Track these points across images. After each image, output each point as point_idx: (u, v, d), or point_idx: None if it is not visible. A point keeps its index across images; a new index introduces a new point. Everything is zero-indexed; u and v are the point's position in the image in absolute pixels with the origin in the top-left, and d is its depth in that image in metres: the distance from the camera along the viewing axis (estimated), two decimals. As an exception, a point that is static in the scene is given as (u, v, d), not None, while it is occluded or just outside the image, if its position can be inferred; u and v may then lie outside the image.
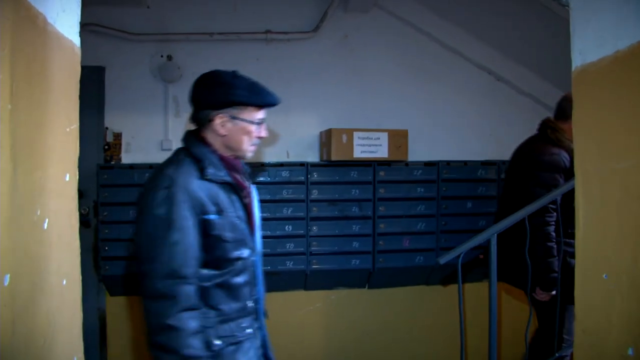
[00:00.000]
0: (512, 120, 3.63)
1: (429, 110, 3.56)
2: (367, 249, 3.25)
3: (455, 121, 3.56)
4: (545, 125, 2.57)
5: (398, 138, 3.21)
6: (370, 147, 3.18)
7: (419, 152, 3.36)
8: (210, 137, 1.58)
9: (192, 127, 1.64)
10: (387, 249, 3.27)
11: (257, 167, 3.21)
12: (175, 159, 1.56)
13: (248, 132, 1.61)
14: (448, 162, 3.36)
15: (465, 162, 3.39)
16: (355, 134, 3.15)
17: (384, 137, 3.18)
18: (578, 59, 1.14)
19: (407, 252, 3.29)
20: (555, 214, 2.36)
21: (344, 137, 3.14)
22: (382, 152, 3.19)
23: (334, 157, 3.14)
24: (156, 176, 1.52)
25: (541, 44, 3.49)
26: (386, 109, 3.49)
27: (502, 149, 3.58)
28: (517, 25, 3.53)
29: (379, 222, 3.24)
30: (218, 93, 1.55)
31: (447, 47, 3.58)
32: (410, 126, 3.31)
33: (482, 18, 3.54)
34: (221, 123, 1.55)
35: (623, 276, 1.01)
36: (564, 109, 2.48)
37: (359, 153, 3.16)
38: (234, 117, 1.57)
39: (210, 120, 1.55)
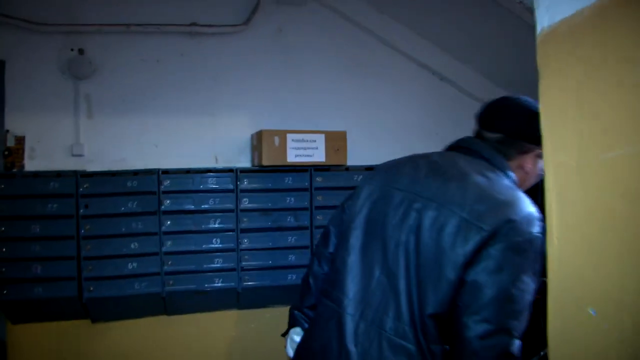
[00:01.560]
0: (457, 121, 3.40)
1: (370, 111, 3.32)
2: (305, 263, 2.95)
3: (397, 122, 3.33)
4: None
5: (336, 140, 2.94)
6: (305, 150, 2.90)
7: (359, 155, 3.11)
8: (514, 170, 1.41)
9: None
10: (326, 261, 2.97)
11: (180, 174, 2.87)
12: (514, 189, 1.31)
13: (537, 177, 1.47)
14: (391, 166, 3.10)
15: (409, 166, 3.15)
16: (289, 136, 2.86)
17: (320, 140, 2.91)
18: (545, 18, 0.86)
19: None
20: None
21: (276, 140, 2.84)
22: (319, 155, 2.91)
23: (265, 162, 2.84)
24: (527, 212, 1.22)
25: (486, 43, 3.30)
26: (323, 109, 3.23)
27: (447, 151, 3.39)
28: (462, 23, 3.32)
29: (316, 232, 2.96)
30: None
31: (389, 45, 3.35)
32: (350, 128, 3.05)
33: (425, 15, 3.32)
34: (533, 161, 1.42)
35: (623, 313, 0.70)
36: None
37: (293, 157, 2.87)
38: (539, 157, 1.41)
39: (524, 153, 1.41)
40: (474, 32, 3.17)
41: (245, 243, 2.91)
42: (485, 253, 1.15)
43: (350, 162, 3.03)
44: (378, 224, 1.38)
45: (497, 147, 1.41)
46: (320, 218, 2.97)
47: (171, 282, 2.81)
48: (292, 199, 2.96)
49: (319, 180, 2.98)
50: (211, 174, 2.90)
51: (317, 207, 2.97)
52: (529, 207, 1.22)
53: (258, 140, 2.91)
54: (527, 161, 1.42)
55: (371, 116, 3.31)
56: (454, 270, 1.17)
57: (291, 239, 2.95)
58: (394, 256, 1.30)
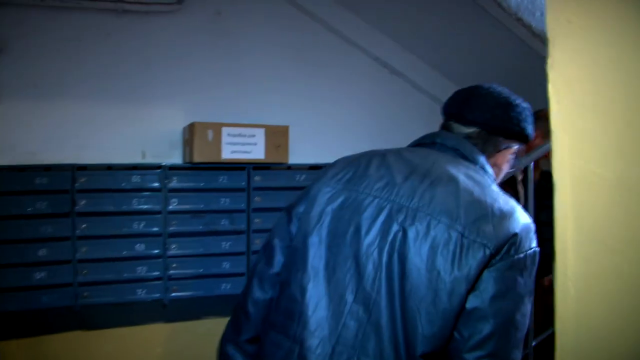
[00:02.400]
0: (407, 118, 3.23)
1: (315, 105, 3.05)
2: (240, 270, 2.67)
3: (345, 118, 3.08)
4: None
5: (277, 136, 2.67)
6: (243, 146, 2.61)
7: (302, 152, 2.84)
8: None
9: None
10: (265, 269, 2.69)
11: (100, 171, 2.53)
12: (506, 196, 1.11)
13: (505, 176, 1.37)
14: (337, 165, 2.85)
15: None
16: (224, 130, 2.57)
17: (260, 135, 2.63)
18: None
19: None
20: None
21: (210, 134, 2.54)
22: (257, 152, 2.63)
23: (197, 159, 2.54)
24: (526, 223, 1.05)
25: (441, 37, 3.08)
26: (264, 101, 2.94)
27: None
28: (418, 15, 3.09)
29: (254, 237, 2.68)
30: (530, 124, 1.27)
31: (337, 33, 3.09)
32: (293, 122, 2.78)
33: (378, 5, 3.07)
34: (505, 157, 1.28)
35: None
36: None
37: (228, 153, 2.58)
38: (512, 154, 1.30)
39: (500, 150, 1.26)
40: (431, 24, 2.94)
41: (174, 249, 2.60)
42: (487, 275, 0.97)
43: (292, 160, 2.77)
44: (346, 239, 1.10)
45: (474, 143, 1.23)
46: (258, 221, 2.69)
47: (86, 294, 2.47)
48: (227, 199, 2.66)
49: (257, 179, 2.70)
50: (136, 170, 2.58)
51: (255, 209, 2.69)
52: (525, 216, 1.06)
53: (190, 134, 2.60)
54: (500, 158, 1.27)
55: (316, 110, 3.04)
56: (454, 297, 0.97)
57: (226, 245, 2.66)
58: (371, 281, 1.04)
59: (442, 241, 0.99)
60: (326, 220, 1.14)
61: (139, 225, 2.55)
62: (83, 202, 2.47)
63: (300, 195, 1.26)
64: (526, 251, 1.00)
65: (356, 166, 1.21)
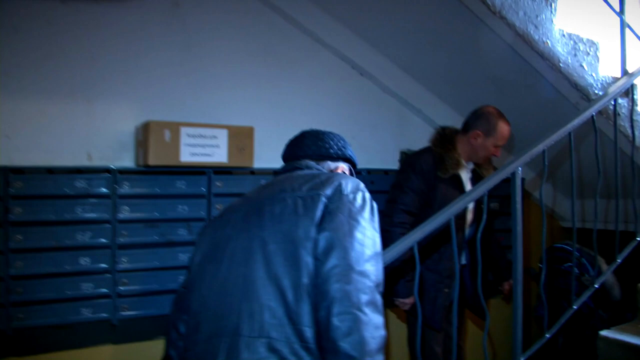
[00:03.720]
0: (376, 120, 3.10)
1: (282, 105, 2.85)
2: (200, 285, 2.42)
3: (313, 119, 2.87)
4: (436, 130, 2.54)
5: (241, 138, 2.45)
6: (204, 148, 2.38)
7: (268, 156, 2.63)
8: None
9: None
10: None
11: (38, 174, 2.23)
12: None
13: None
14: (305, 170, 2.66)
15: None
16: (183, 130, 2.33)
17: (222, 136, 2.40)
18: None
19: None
20: (405, 215, 2.30)
21: (167, 134, 2.29)
22: (220, 155, 2.41)
23: (152, 162, 2.28)
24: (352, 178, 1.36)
25: (415, 38, 2.94)
26: (228, 99, 2.71)
27: (368, 154, 3.02)
28: (391, 14, 2.93)
29: (215, 248, 2.44)
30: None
31: (305, 30, 2.91)
32: (258, 123, 2.58)
33: (349, 3, 2.90)
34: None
35: None
36: (466, 121, 2.44)
37: (188, 156, 2.34)
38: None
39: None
40: (402, 25, 2.80)
41: (124, 262, 2.33)
42: (327, 211, 1.20)
43: (257, 164, 2.56)
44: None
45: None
46: (220, 231, 2.45)
47: (21, 315, 2.16)
48: (186, 207, 2.42)
49: (219, 185, 2.47)
50: (81, 174, 2.29)
51: (217, 218, 2.46)
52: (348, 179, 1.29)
53: (144, 134, 2.34)
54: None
55: (284, 111, 2.84)
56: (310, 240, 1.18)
57: (183, 257, 2.41)
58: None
59: (286, 208, 1.24)
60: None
61: (84, 236, 2.26)
62: (18, 210, 2.17)
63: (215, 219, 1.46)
64: (351, 192, 1.23)
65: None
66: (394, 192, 2.39)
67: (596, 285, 2.14)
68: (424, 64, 3.01)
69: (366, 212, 1.22)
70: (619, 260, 2.19)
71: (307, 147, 1.50)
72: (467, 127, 2.41)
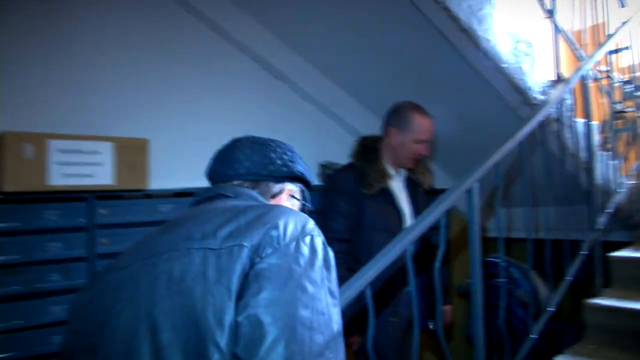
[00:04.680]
0: (294, 128, 2.74)
1: (183, 113, 2.38)
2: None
3: (221, 129, 2.43)
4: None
5: (132, 152, 1.97)
6: (82, 167, 1.87)
7: (166, 175, 2.16)
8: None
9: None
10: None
11: None
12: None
13: None
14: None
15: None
16: (52, 144, 1.80)
17: (106, 150, 1.91)
18: None
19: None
20: (338, 244, 1.97)
21: (28, 150, 1.75)
22: (103, 175, 1.91)
23: (8, 187, 1.73)
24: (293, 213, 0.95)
25: (335, 38, 2.61)
26: (114, 105, 2.18)
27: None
28: (312, 14, 2.57)
29: (102, 294, 1.92)
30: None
31: (213, 26, 2.48)
32: (154, 134, 2.10)
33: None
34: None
35: None
36: (382, 123, 2.19)
37: (59, 178, 1.82)
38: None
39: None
40: (326, 23, 2.46)
41: (-27, 324, 1.73)
42: (252, 273, 0.80)
43: (153, 184, 2.08)
44: None
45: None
46: (107, 272, 1.94)
47: None
48: (59, 244, 1.88)
49: (104, 212, 1.96)
50: None
51: (102, 256, 1.94)
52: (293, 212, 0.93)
53: (-3, 150, 1.77)
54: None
55: (185, 120, 2.37)
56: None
57: (59, 310, 1.85)
58: None
59: (190, 268, 0.86)
60: None
61: None
62: None
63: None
64: (293, 239, 0.86)
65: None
66: (320, 220, 2.05)
67: (552, 309, 1.99)
68: (348, 66, 2.70)
69: (316, 270, 0.85)
70: (569, 278, 2.05)
71: (239, 163, 1.10)
72: (383, 128, 2.18)
